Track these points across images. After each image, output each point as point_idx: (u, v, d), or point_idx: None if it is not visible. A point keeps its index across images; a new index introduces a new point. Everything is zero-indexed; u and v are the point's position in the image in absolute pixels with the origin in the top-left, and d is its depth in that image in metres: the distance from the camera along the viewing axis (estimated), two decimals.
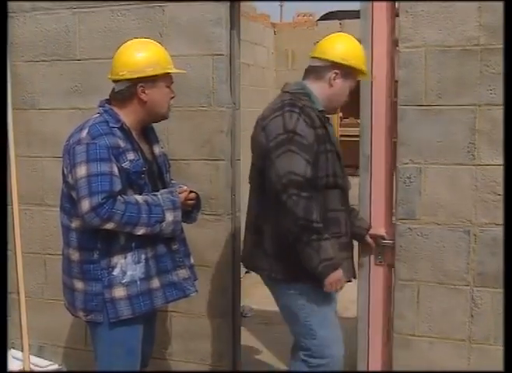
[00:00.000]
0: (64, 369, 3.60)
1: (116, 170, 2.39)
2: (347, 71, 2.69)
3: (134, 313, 2.47)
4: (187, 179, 3.01)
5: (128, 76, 2.47)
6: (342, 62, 2.65)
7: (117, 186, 2.37)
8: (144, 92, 2.49)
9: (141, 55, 2.50)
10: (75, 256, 2.50)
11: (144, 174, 2.50)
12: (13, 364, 3.53)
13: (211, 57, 3.15)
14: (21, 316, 3.53)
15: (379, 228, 2.98)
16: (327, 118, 2.75)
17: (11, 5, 3.47)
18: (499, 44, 2.72)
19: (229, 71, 3.20)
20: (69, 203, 2.49)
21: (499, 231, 2.79)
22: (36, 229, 3.60)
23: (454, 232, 2.86)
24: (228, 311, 3.30)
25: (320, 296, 2.65)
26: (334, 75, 2.68)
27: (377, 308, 3.09)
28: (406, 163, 2.89)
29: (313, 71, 2.74)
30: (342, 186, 2.73)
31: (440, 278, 2.90)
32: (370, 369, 3.16)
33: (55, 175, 3.49)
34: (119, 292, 2.45)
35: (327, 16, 7.76)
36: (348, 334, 4.49)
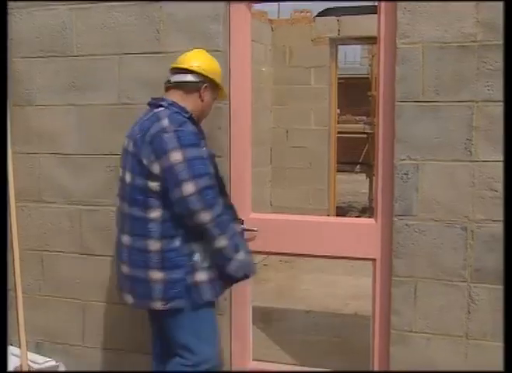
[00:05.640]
0: (62, 366, 3.60)
1: (205, 155, 2.52)
2: None
3: (216, 295, 2.62)
4: None
5: (203, 72, 2.69)
6: None
7: (211, 170, 2.52)
8: (205, 92, 2.70)
9: (216, 63, 2.80)
10: (154, 246, 2.53)
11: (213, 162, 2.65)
12: (11, 360, 3.52)
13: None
14: (18, 313, 3.53)
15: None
16: None
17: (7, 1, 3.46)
18: (496, 41, 2.73)
19: (227, 67, 3.20)
20: (143, 194, 2.53)
21: (496, 228, 2.80)
22: (34, 226, 3.60)
23: (451, 229, 2.87)
24: (226, 310, 3.30)
25: None
26: None
27: (375, 304, 3.09)
28: (403, 159, 2.89)
29: None
30: None
31: (438, 274, 2.90)
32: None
33: (52, 171, 3.51)
34: (201, 276, 2.55)
35: (324, 13, 7.75)
36: (350, 330, 4.55)
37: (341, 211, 9.19)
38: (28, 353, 3.53)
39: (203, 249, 2.54)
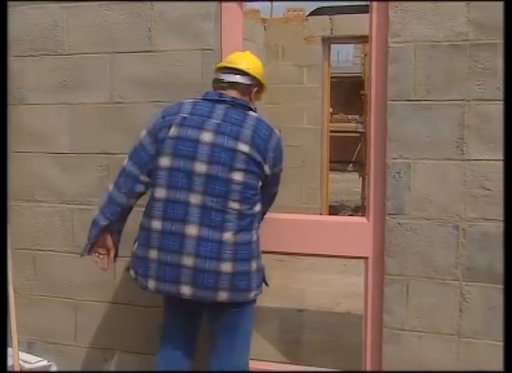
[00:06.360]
0: (54, 366, 3.59)
1: None
2: None
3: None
4: None
5: (256, 75, 2.75)
6: None
7: None
8: (254, 94, 2.78)
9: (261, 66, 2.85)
10: (254, 237, 2.65)
11: None
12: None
13: (200, 51, 3.14)
14: (10, 312, 3.51)
15: None
16: None
17: None
18: (487, 40, 2.74)
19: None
20: (253, 192, 2.61)
21: (488, 226, 2.81)
22: (26, 225, 3.58)
23: (443, 227, 2.88)
24: None
25: None
26: None
27: (368, 302, 3.10)
28: (395, 158, 2.90)
29: None
30: None
31: (429, 273, 2.91)
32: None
33: (44, 171, 3.50)
34: (261, 262, 2.72)
35: (317, 12, 7.76)
36: (342, 329, 4.56)
37: (334, 210, 9.21)
38: (20, 352, 3.52)
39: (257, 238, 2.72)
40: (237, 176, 2.54)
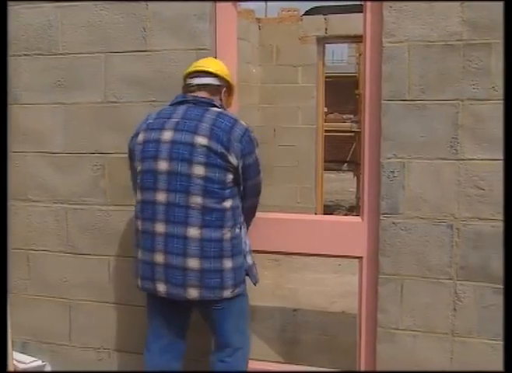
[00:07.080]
0: (49, 366, 3.59)
1: None
2: None
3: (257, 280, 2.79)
4: None
5: (225, 76, 2.80)
6: None
7: None
8: (224, 95, 2.82)
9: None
10: (227, 234, 2.61)
11: None
12: None
13: (195, 51, 3.14)
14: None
15: None
16: None
17: None
18: (481, 39, 2.75)
19: None
20: (221, 186, 2.59)
21: (481, 226, 2.82)
22: (20, 225, 3.58)
23: (437, 226, 2.89)
24: None
25: None
26: None
27: (362, 302, 3.10)
28: (390, 158, 2.91)
29: None
30: None
31: (424, 272, 2.92)
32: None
33: (39, 170, 3.49)
34: (250, 260, 2.74)
35: (311, 11, 7.77)
36: (337, 328, 4.56)
37: (329, 210, 9.22)
38: (14, 352, 3.52)
39: (245, 233, 2.74)
40: (198, 170, 2.56)
